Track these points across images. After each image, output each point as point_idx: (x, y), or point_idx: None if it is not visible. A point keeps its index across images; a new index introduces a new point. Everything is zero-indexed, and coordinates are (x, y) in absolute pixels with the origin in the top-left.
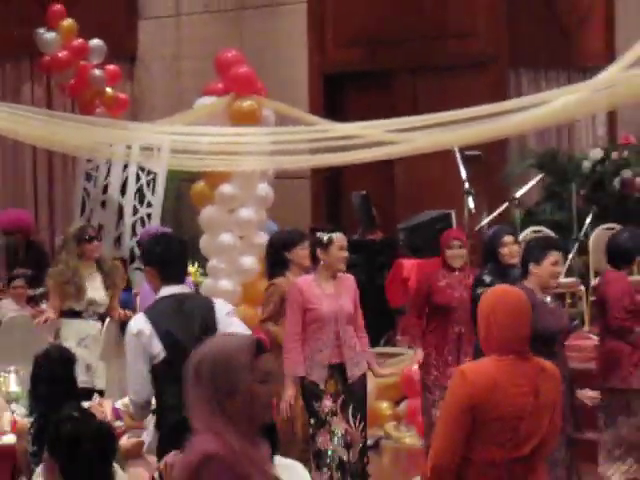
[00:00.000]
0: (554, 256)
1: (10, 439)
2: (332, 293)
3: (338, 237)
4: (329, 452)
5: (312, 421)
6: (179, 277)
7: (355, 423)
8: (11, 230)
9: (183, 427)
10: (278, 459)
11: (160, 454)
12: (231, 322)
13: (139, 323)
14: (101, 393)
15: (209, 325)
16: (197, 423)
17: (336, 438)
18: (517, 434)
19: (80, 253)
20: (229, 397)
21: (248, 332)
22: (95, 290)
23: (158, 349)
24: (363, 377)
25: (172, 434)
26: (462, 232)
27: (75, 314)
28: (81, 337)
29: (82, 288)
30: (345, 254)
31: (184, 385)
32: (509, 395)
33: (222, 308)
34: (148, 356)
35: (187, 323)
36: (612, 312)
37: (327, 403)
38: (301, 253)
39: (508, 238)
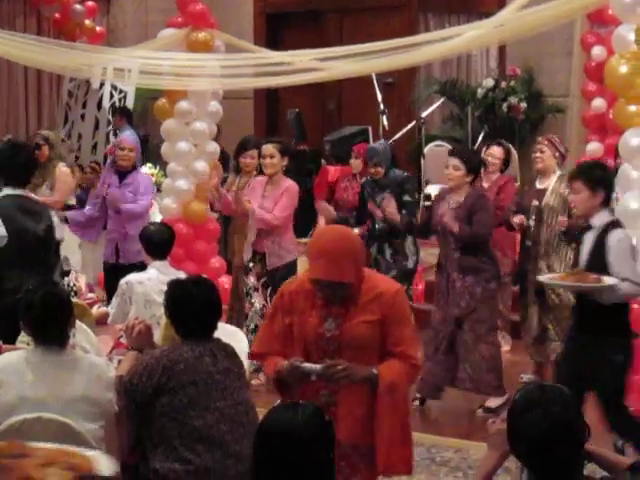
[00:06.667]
0: (447, 162)
1: None
2: (265, 194)
3: (262, 148)
4: (249, 316)
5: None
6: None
7: (270, 301)
8: None
9: None
10: (221, 326)
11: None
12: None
13: None
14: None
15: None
16: None
17: (254, 309)
18: None
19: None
20: None
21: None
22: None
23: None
24: (284, 267)
25: None
26: (361, 146)
27: None
28: None
29: (35, 186)
30: (265, 161)
31: None
32: None
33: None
34: None
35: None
36: None
37: (251, 279)
38: (242, 161)
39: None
